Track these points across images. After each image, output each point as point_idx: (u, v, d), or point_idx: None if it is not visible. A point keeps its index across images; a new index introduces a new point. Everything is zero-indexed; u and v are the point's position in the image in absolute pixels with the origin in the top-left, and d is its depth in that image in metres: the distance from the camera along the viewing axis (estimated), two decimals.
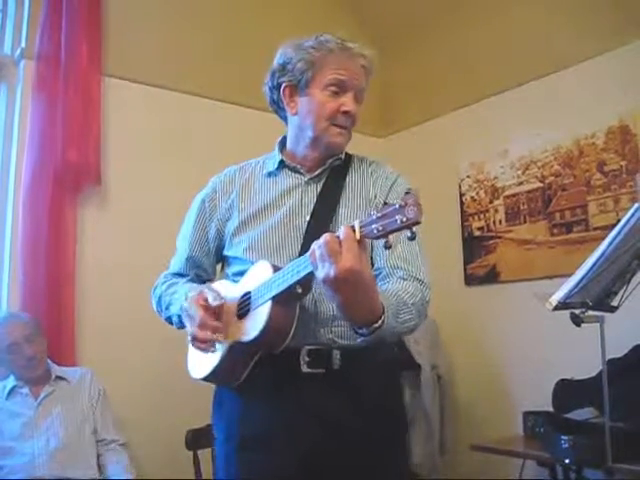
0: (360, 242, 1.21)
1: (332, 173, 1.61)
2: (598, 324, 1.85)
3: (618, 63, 2.88)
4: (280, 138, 1.71)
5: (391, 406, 1.58)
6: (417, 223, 1.14)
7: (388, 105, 3.91)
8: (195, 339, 1.44)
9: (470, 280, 3.45)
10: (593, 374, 2.53)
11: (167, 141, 3.17)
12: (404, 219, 1.14)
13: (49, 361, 2.52)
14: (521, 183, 3.27)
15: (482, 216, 3.44)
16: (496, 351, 3.30)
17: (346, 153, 1.66)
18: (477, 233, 3.45)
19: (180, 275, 1.75)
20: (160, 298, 1.71)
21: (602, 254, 1.78)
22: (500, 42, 3.32)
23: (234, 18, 3.42)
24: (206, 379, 1.56)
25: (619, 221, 1.80)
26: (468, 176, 3.52)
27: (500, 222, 3.35)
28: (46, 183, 2.72)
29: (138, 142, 3.08)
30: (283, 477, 1.44)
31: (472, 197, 3.49)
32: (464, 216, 3.52)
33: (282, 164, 1.65)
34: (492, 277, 3.34)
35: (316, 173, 1.61)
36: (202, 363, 1.54)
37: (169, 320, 1.68)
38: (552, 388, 2.79)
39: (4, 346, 2.41)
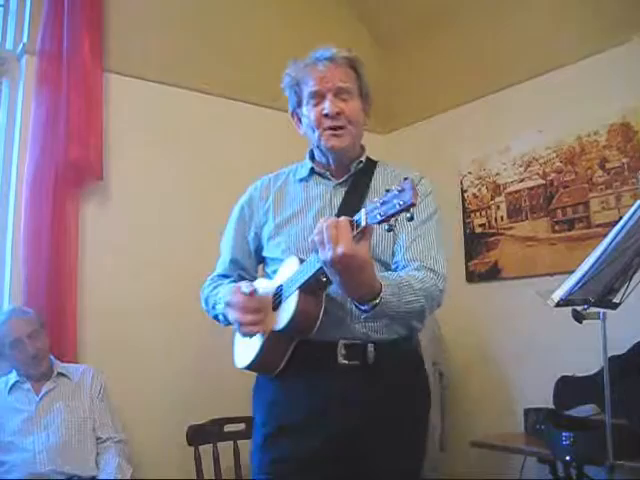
0: (366, 229, 1.33)
1: (357, 177, 1.74)
2: (600, 321, 1.85)
3: (620, 60, 2.87)
4: (310, 148, 1.84)
5: (418, 395, 1.73)
6: (413, 205, 1.23)
7: (390, 102, 3.90)
8: (240, 323, 1.57)
9: (472, 277, 3.45)
10: (594, 371, 2.54)
11: (169, 137, 3.17)
12: (401, 202, 1.24)
13: (52, 357, 2.53)
14: (523, 180, 3.26)
15: (484, 213, 3.44)
16: (497, 348, 3.30)
17: (370, 159, 1.80)
18: (479, 230, 3.45)
19: (225, 276, 1.87)
20: (207, 299, 1.83)
21: (604, 251, 1.77)
22: (502, 39, 3.31)
23: (236, 15, 3.41)
24: (248, 368, 1.68)
25: (621, 218, 1.79)
26: (470, 172, 3.51)
27: (502, 219, 3.35)
28: (48, 179, 2.72)
29: (140, 138, 3.08)
30: (315, 460, 1.57)
31: (474, 194, 3.49)
32: (466, 213, 3.52)
33: (313, 171, 1.79)
34: (494, 274, 3.34)
35: (343, 179, 1.74)
36: (245, 353, 1.68)
37: (216, 318, 1.79)
38: (553, 385, 2.79)
39: (7, 342, 2.42)
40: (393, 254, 1.65)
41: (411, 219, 1.26)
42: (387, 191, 1.29)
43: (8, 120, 2.86)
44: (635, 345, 2.59)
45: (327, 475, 1.58)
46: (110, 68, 2.99)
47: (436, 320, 3.37)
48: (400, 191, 1.25)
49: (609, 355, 1.89)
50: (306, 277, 1.47)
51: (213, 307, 1.78)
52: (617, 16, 2.85)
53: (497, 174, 3.38)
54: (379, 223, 1.29)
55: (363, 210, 1.33)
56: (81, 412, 2.45)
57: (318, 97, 1.68)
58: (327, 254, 1.34)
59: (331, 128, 1.68)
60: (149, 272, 3.01)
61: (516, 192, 3.29)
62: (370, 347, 1.59)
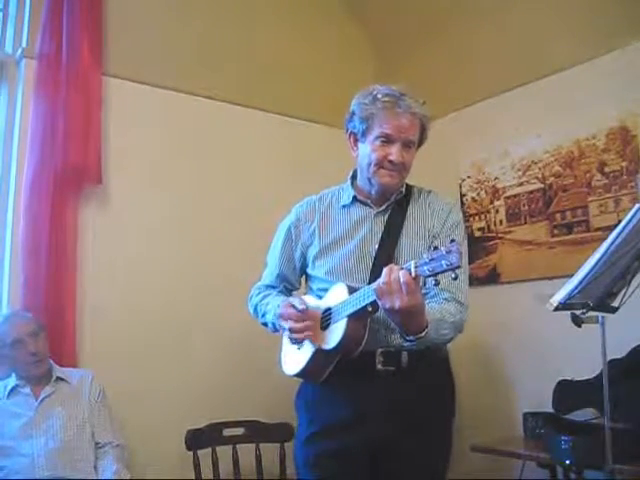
0: (415, 279, 1.55)
1: (396, 206, 1.94)
2: (599, 325, 1.85)
3: (618, 64, 2.87)
4: (351, 172, 2.03)
5: (448, 396, 1.94)
6: (458, 267, 1.45)
7: None
8: (292, 331, 1.81)
9: (471, 281, 3.40)
10: (593, 375, 2.54)
11: (168, 141, 3.17)
12: (448, 263, 1.46)
13: (51, 361, 2.52)
14: (522, 184, 3.26)
15: (483, 217, 3.44)
16: (496, 352, 3.30)
17: (407, 185, 1.98)
18: (478, 234, 3.45)
19: (271, 287, 2.11)
20: (256, 307, 2.08)
21: (603, 255, 1.77)
22: (501, 43, 3.31)
23: (237, 19, 3.42)
24: (296, 375, 1.91)
25: (620, 222, 1.79)
26: (469, 177, 3.51)
27: (501, 223, 3.35)
28: (47, 183, 2.72)
29: (139, 142, 3.08)
30: (355, 458, 1.80)
31: (473, 198, 3.49)
32: (465, 217, 3.50)
33: (355, 198, 1.97)
34: (493, 278, 3.34)
35: (383, 207, 1.94)
36: (294, 363, 1.91)
37: (265, 325, 2.04)
38: (552, 389, 2.79)
39: (8, 342, 2.42)
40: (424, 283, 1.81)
41: (455, 279, 1.48)
42: (435, 248, 1.49)
43: (7, 124, 2.86)
44: (634, 349, 2.59)
45: (365, 470, 1.80)
46: (109, 72, 2.99)
47: None
48: (448, 252, 1.46)
49: (608, 359, 1.89)
50: (356, 308, 1.68)
51: (262, 315, 2.02)
52: (615, 21, 2.85)
53: (496, 178, 3.38)
54: (427, 277, 1.53)
55: (412, 263, 1.54)
56: (80, 417, 2.44)
57: (387, 139, 1.85)
58: (395, 303, 1.56)
59: (389, 169, 1.86)
60: (148, 276, 3.01)
61: (515, 196, 3.29)
62: (404, 354, 1.80)
